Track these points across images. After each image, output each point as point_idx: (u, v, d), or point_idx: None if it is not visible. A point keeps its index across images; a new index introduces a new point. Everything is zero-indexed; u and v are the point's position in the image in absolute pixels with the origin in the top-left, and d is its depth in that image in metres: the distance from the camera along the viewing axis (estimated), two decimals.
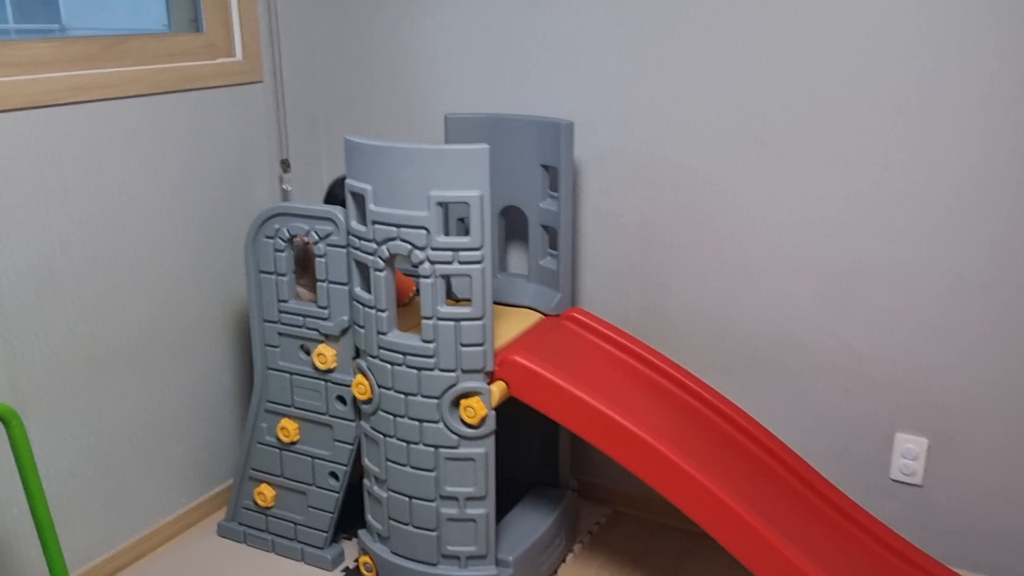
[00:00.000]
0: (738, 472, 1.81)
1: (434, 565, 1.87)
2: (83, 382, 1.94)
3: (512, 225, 2.20)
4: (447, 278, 1.76)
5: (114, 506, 2.06)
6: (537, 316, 2.05)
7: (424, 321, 1.72)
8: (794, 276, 1.97)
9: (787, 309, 2.00)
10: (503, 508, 2.09)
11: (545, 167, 2.02)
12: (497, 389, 1.77)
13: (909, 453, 1.95)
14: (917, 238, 1.83)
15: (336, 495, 2.02)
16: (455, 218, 1.89)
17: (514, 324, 1.99)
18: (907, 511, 1.98)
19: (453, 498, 1.81)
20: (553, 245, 2.06)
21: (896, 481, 1.98)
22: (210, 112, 2.14)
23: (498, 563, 1.89)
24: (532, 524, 2.01)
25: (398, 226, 1.68)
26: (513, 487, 2.17)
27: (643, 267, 2.13)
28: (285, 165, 2.32)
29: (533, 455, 2.19)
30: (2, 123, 1.72)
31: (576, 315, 2.03)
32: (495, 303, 2.12)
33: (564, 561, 2.11)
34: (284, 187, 2.34)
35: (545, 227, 2.06)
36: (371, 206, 1.71)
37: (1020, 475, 1.85)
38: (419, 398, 1.77)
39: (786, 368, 2.03)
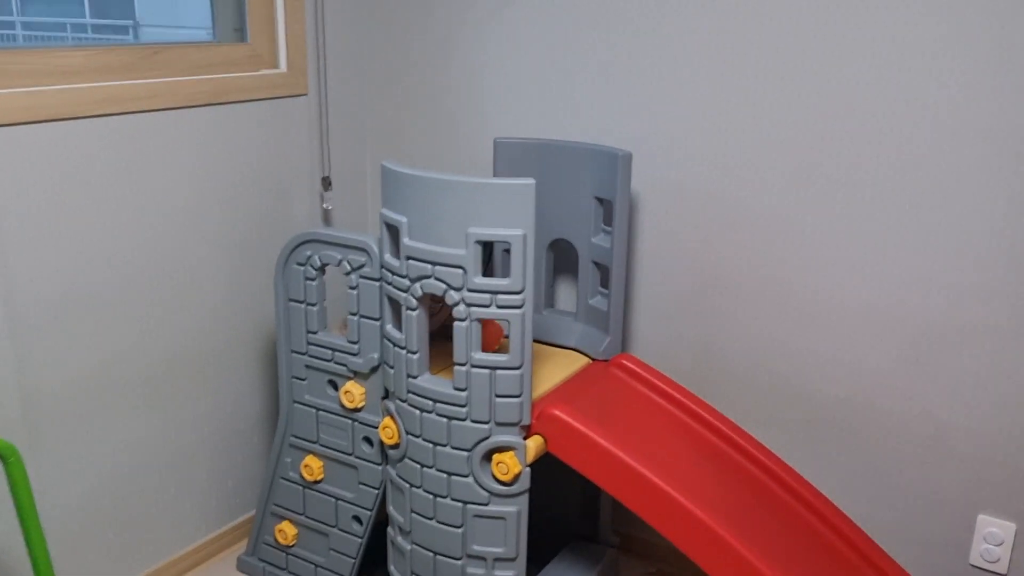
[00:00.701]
0: (791, 547, 1.62)
1: None
2: (101, 408, 1.85)
3: (561, 259, 2.05)
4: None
5: (131, 534, 1.96)
6: (583, 360, 1.89)
7: (457, 367, 1.58)
8: (869, 330, 1.78)
9: (859, 366, 1.81)
10: (537, 564, 1.95)
11: (599, 199, 1.86)
12: (533, 444, 1.62)
13: (993, 538, 1.74)
14: (1013, 297, 1.63)
15: (359, 540, 1.90)
16: (501, 250, 1.75)
17: (557, 369, 1.84)
18: None
19: (481, 558, 1.67)
20: (604, 283, 1.90)
21: (976, 567, 1.77)
22: (250, 125, 2.04)
23: None
24: None
25: (433, 263, 1.55)
26: (549, 541, 2.02)
27: (700, 310, 1.96)
28: (327, 183, 2.20)
29: (572, 507, 2.04)
30: (28, 135, 1.63)
31: (626, 362, 1.87)
32: (539, 342, 1.97)
33: None
34: (325, 206, 2.22)
35: (597, 263, 1.90)
36: (405, 240, 1.57)
37: None
38: (448, 449, 1.63)
39: (855, 431, 1.84)
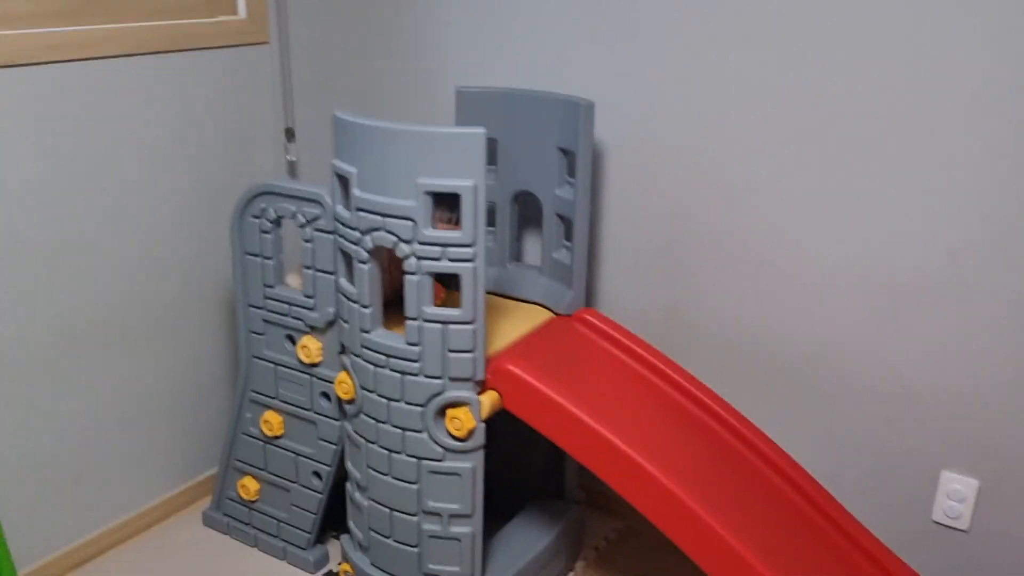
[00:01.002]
0: (751, 505, 1.60)
1: None
2: (60, 360, 1.82)
3: (528, 211, 2.01)
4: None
5: (94, 489, 1.95)
6: (546, 315, 1.86)
7: (408, 322, 1.55)
8: (837, 288, 1.74)
9: (827, 323, 1.77)
10: (502, 520, 1.94)
11: (563, 151, 1.81)
12: (488, 400, 1.59)
13: (956, 494, 1.72)
14: (982, 255, 1.58)
15: (319, 496, 1.88)
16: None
17: (519, 323, 1.80)
18: (949, 558, 1.76)
19: (436, 514, 1.65)
20: (569, 236, 1.86)
21: (939, 524, 1.75)
22: (207, 75, 1.99)
23: None
24: (529, 541, 1.85)
25: (383, 215, 1.51)
26: (514, 497, 2.00)
27: (668, 265, 1.91)
28: (289, 134, 2.15)
29: (537, 464, 2.02)
30: None
31: (588, 317, 1.84)
32: (503, 296, 1.94)
33: None
34: (289, 158, 2.17)
35: (561, 216, 1.85)
36: (356, 191, 1.53)
37: None
38: (402, 404, 1.60)
39: (822, 389, 1.81)
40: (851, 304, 1.73)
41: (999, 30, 1.47)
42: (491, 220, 1.95)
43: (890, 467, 1.77)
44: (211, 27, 1.98)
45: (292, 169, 2.19)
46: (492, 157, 1.92)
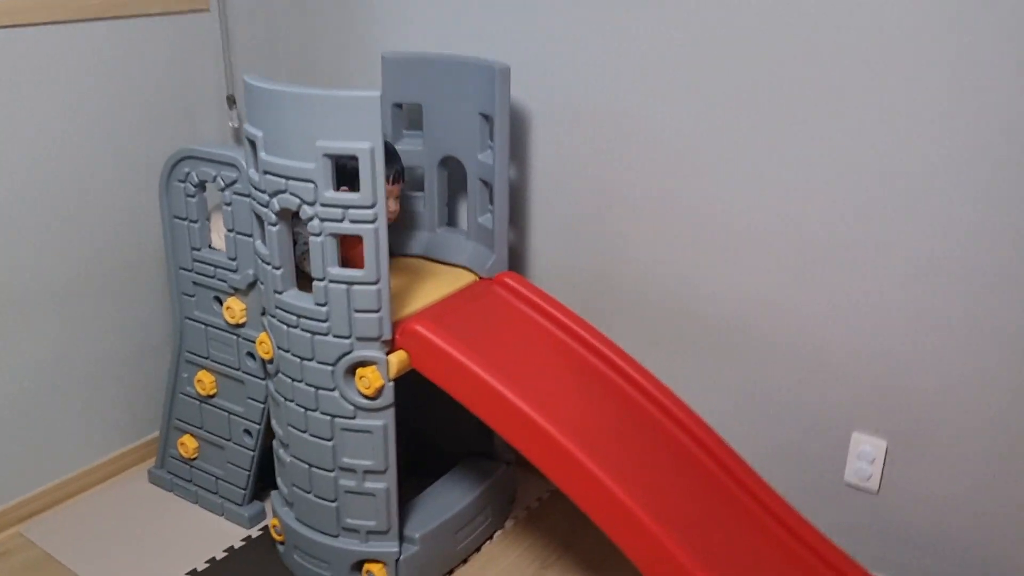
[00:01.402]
0: (655, 466, 1.64)
1: (335, 537, 1.77)
2: (5, 320, 1.88)
3: (458, 177, 2.03)
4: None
5: (39, 447, 2.02)
6: (471, 278, 1.89)
7: (316, 283, 1.59)
8: (754, 248, 1.75)
9: (745, 284, 1.78)
10: (433, 478, 1.98)
11: (484, 115, 1.83)
12: (396, 360, 1.63)
13: (865, 455, 1.73)
14: (889, 216, 1.59)
15: (251, 453, 1.94)
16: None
17: (441, 286, 1.84)
18: (861, 518, 1.78)
19: (351, 470, 1.70)
20: (492, 201, 1.88)
21: (851, 485, 1.77)
22: (148, 42, 2.02)
23: (404, 539, 1.78)
24: (452, 499, 1.89)
25: (287, 178, 1.54)
26: (446, 456, 2.04)
27: (595, 229, 1.94)
28: (231, 101, 2.18)
29: (468, 424, 2.05)
30: None
31: (508, 280, 1.86)
32: (432, 260, 1.97)
33: (491, 539, 1.99)
34: (231, 124, 2.21)
35: (484, 181, 1.88)
36: (262, 154, 1.57)
37: (982, 488, 1.62)
38: (314, 363, 1.64)
39: (740, 350, 1.83)
40: (766, 264, 1.75)
41: None
42: (420, 185, 1.98)
43: (804, 428, 1.80)
44: None
45: (236, 136, 2.23)
46: (418, 122, 1.94)
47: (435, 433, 2.09)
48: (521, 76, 1.89)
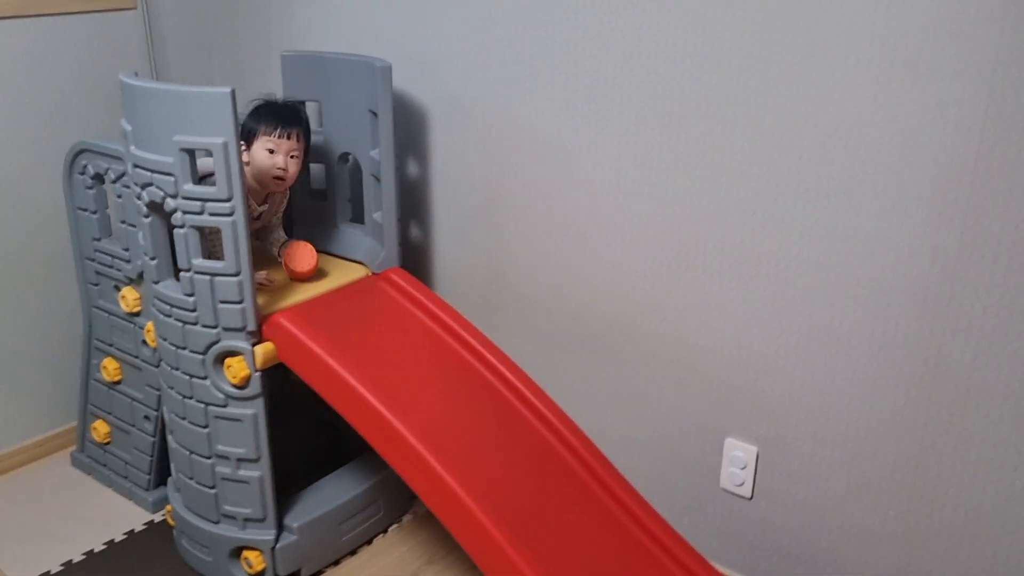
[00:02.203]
0: (509, 463, 1.64)
1: (216, 523, 1.81)
2: None
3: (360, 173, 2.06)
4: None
5: None
6: (361, 273, 1.91)
7: (182, 274, 1.63)
8: (628, 250, 1.75)
9: (621, 287, 1.78)
10: (331, 467, 2.00)
11: (374, 112, 1.86)
12: (261, 351, 1.66)
13: (738, 461, 1.71)
14: (748, 218, 1.57)
15: (151, 439, 1.99)
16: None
17: (329, 281, 1.86)
18: (736, 525, 1.76)
19: (226, 457, 1.74)
20: (386, 197, 1.90)
21: (726, 491, 1.75)
22: (74, 39, 2.09)
23: (283, 528, 1.81)
24: (340, 491, 1.92)
25: (152, 171, 1.59)
26: (346, 450, 2.07)
27: (488, 228, 1.95)
28: None
29: None
30: None
31: (393, 276, 1.88)
32: (331, 254, 1.99)
33: (384, 532, 2.01)
34: None
35: (376, 177, 1.90)
36: (132, 148, 1.62)
37: (848, 500, 1.59)
38: (187, 352, 1.69)
39: (619, 352, 1.82)
40: (641, 266, 1.74)
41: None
42: (323, 181, 2.02)
43: (681, 432, 1.78)
44: None
45: None
46: (319, 119, 1.97)
47: (343, 427, 2.12)
48: (416, 74, 1.92)
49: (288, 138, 1.76)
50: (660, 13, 1.57)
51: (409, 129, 2.00)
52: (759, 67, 1.49)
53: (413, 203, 2.05)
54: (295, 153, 1.78)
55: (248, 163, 1.76)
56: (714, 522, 1.78)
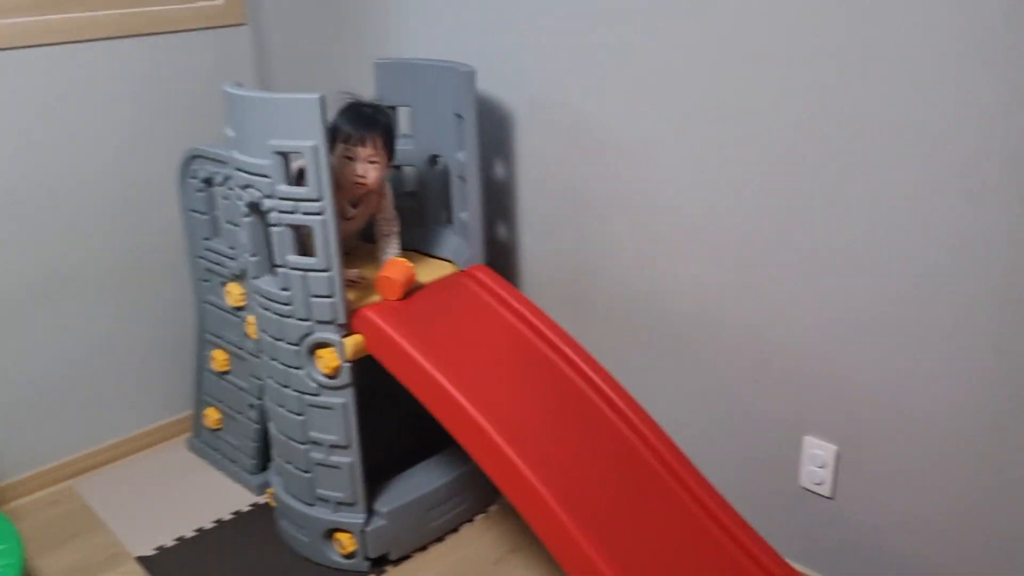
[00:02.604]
0: (587, 457, 1.67)
1: (311, 506, 1.92)
2: (53, 297, 2.16)
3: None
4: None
5: (95, 412, 2.29)
6: (450, 269, 1.99)
7: (278, 269, 1.74)
8: (709, 249, 1.75)
9: (702, 285, 1.79)
10: (422, 458, 2.08)
11: (459, 116, 1.93)
12: (351, 343, 1.76)
13: (817, 459, 1.69)
14: (826, 215, 1.56)
15: (256, 425, 2.12)
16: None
17: (418, 277, 1.94)
18: (817, 525, 1.74)
19: (319, 443, 1.84)
20: (470, 197, 1.97)
21: (806, 489, 1.73)
22: (188, 54, 2.26)
23: (372, 512, 1.90)
24: (426, 480, 2.00)
25: (250, 174, 1.71)
26: (435, 442, 2.14)
27: (573, 227, 1.99)
28: None
29: None
30: None
31: (478, 273, 1.95)
32: (422, 253, 2.07)
33: (471, 521, 2.08)
34: None
35: (463, 178, 1.97)
36: (234, 153, 1.74)
37: (930, 500, 1.55)
38: (284, 343, 1.80)
39: (698, 349, 1.83)
40: (722, 264, 1.75)
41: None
42: (414, 184, 2.10)
43: (758, 431, 1.78)
44: (191, 12, 2.25)
45: None
46: (410, 123, 2.06)
47: (432, 420, 2.20)
48: (502, 79, 1.98)
49: (365, 144, 1.79)
50: (736, 18, 1.58)
51: (496, 132, 2.06)
52: (834, 64, 1.47)
53: (499, 203, 2.12)
54: (374, 159, 1.80)
55: (335, 169, 1.81)
56: (794, 521, 1.76)
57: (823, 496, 1.71)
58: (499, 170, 2.11)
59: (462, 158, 1.94)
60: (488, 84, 2.01)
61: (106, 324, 2.27)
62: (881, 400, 1.57)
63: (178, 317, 2.39)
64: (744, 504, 1.75)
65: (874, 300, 1.54)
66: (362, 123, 1.80)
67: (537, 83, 1.95)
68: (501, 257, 2.14)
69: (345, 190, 1.84)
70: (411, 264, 1.86)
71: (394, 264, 1.85)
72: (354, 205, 1.90)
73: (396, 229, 1.95)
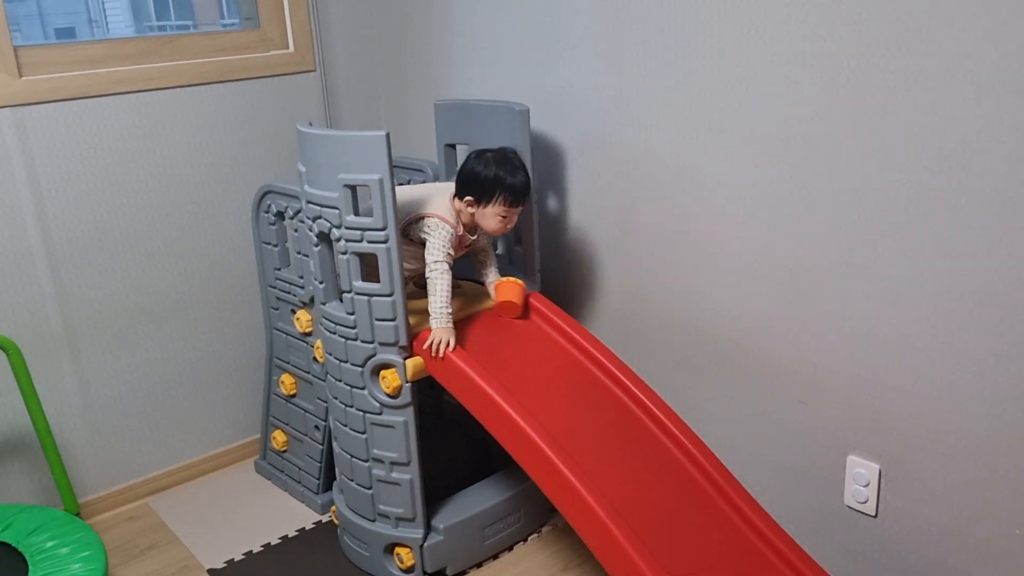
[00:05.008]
0: (636, 474, 1.74)
1: (372, 521, 2.02)
2: (132, 326, 2.32)
3: None
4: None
5: (163, 434, 2.43)
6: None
7: (344, 295, 1.86)
8: (755, 274, 1.83)
9: (747, 309, 1.86)
10: (477, 478, 2.17)
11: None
12: (412, 364, 1.86)
13: (861, 479, 1.74)
14: (866, 239, 1.63)
15: (320, 446, 2.24)
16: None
17: (474, 304, 2.05)
18: (861, 543, 1.77)
19: (381, 460, 1.94)
20: (525, 228, 2.08)
21: (851, 508, 1.78)
22: (263, 99, 2.43)
23: (431, 528, 1.99)
24: (482, 499, 2.08)
25: (321, 206, 1.84)
26: (495, 460, 2.23)
27: (623, 256, 2.08)
28: None
29: None
30: (58, 111, 2.11)
31: (533, 300, 2.05)
32: (477, 282, 2.18)
33: (525, 541, 2.15)
34: None
35: None
36: (306, 187, 1.87)
37: (972, 518, 1.59)
38: (348, 365, 1.91)
39: (745, 371, 1.89)
40: (765, 289, 1.82)
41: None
42: None
43: (803, 450, 1.83)
44: (265, 60, 2.42)
45: None
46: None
47: (490, 441, 2.29)
48: (553, 116, 2.10)
49: (519, 207, 1.93)
50: (780, 50, 1.67)
51: (548, 166, 2.17)
52: (872, 95, 1.55)
53: (553, 233, 2.22)
54: (504, 213, 1.91)
55: (473, 213, 1.92)
56: (839, 539, 1.80)
57: (867, 515, 1.75)
58: (551, 202, 2.22)
59: None
60: (539, 121, 2.13)
61: (179, 352, 2.41)
62: (923, 419, 1.62)
63: (246, 345, 2.53)
64: (790, 523, 1.80)
65: (914, 321, 1.59)
66: (522, 192, 1.91)
67: (586, 118, 2.06)
68: (553, 284, 2.23)
69: (473, 225, 1.96)
70: (520, 282, 2.00)
71: (506, 286, 2.00)
72: (471, 234, 2.00)
73: (494, 257, 2.10)
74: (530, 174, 1.96)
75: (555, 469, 1.65)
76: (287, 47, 2.48)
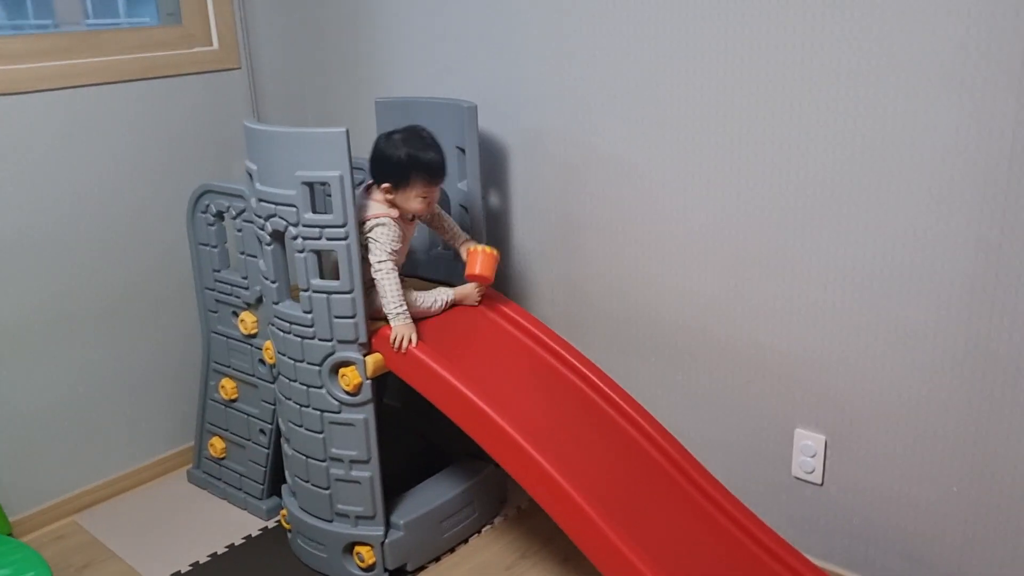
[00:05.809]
0: (605, 460, 1.80)
1: (329, 522, 2.00)
2: (57, 336, 2.21)
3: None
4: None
5: (90, 447, 2.33)
6: None
7: (301, 293, 1.84)
8: (698, 260, 1.92)
9: (693, 294, 1.95)
10: (427, 474, 2.18)
11: (460, 149, 2.07)
12: (372, 361, 1.86)
13: (807, 450, 1.86)
14: (806, 225, 1.74)
15: (266, 450, 2.19)
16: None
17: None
18: (809, 511, 1.89)
19: (340, 459, 1.93)
20: (474, 224, 2.11)
21: (798, 479, 1.90)
22: (186, 96, 2.35)
23: (390, 525, 1.99)
24: (438, 493, 2.09)
25: (275, 204, 1.81)
26: (443, 455, 2.24)
27: (566, 248, 2.14)
28: None
29: None
30: None
31: (487, 293, 2.08)
32: (427, 279, 2.19)
33: (479, 532, 2.18)
34: None
35: (464, 207, 2.11)
36: (257, 184, 1.84)
37: (913, 480, 1.73)
38: (305, 364, 1.89)
39: (692, 355, 1.99)
40: (708, 273, 1.91)
41: None
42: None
43: (753, 426, 1.93)
44: (188, 57, 2.35)
45: None
46: None
47: (437, 436, 2.30)
48: (495, 112, 2.14)
49: (437, 185, 1.90)
50: (716, 47, 1.77)
51: (490, 163, 2.21)
52: (811, 89, 1.67)
53: (497, 229, 2.26)
54: (423, 194, 1.89)
55: (393, 199, 1.88)
56: (788, 509, 1.92)
57: (814, 483, 1.87)
58: (493, 198, 2.25)
59: (464, 188, 2.08)
60: (481, 117, 2.16)
61: (107, 361, 2.31)
62: (864, 389, 1.75)
63: (179, 351, 2.45)
64: (743, 495, 1.90)
65: (856, 301, 1.72)
66: (438, 170, 1.88)
67: (528, 115, 2.11)
68: (500, 281, 2.26)
69: (402, 216, 1.92)
70: (495, 252, 1.98)
71: (482, 258, 1.98)
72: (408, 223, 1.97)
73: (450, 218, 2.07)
74: (471, 172, 1.99)
75: (528, 457, 1.69)
76: (211, 44, 2.41)
